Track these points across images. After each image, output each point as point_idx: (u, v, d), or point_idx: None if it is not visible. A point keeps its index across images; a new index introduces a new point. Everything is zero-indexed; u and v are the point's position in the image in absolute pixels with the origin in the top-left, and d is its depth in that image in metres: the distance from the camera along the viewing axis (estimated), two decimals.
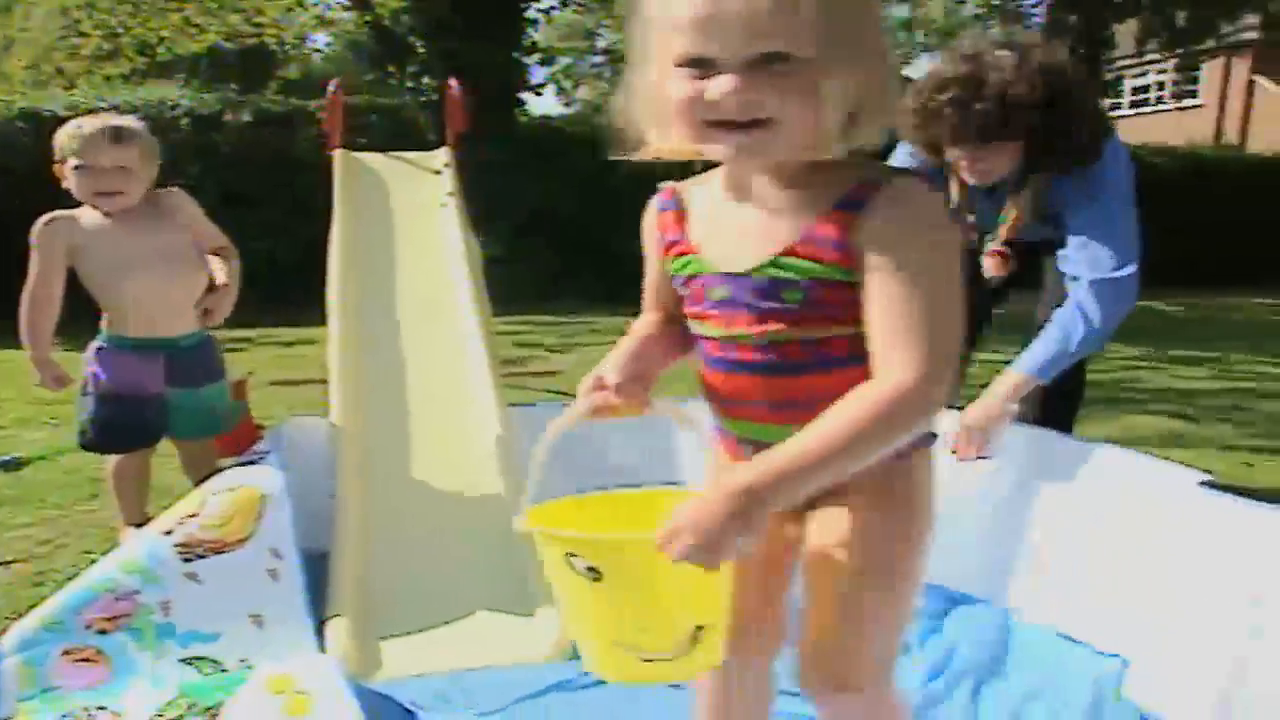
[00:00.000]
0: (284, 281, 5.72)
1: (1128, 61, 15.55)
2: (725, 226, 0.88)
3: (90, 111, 6.78)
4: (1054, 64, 1.64)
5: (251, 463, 1.71)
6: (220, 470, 1.74)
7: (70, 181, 1.91)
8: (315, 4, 9.56)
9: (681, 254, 0.92)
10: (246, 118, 7.42)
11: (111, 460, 2.04)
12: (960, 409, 1.76)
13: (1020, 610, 1.78)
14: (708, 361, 0.92)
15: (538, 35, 8.30)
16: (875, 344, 0.79)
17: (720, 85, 0.75)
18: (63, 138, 1.91)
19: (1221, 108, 16.37)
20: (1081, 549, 1.70)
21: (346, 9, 9.35)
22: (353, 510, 1.86)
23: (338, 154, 2.96)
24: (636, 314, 1.03)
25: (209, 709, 1.30)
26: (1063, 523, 1.75)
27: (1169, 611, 1.47)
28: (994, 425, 1.73)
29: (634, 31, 0.82)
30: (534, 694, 1.47)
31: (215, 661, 1.43)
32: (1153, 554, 1.54)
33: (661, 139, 0.83)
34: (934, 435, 0.91)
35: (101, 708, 1.26)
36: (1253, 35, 14.59)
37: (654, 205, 0.96)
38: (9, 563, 1.99)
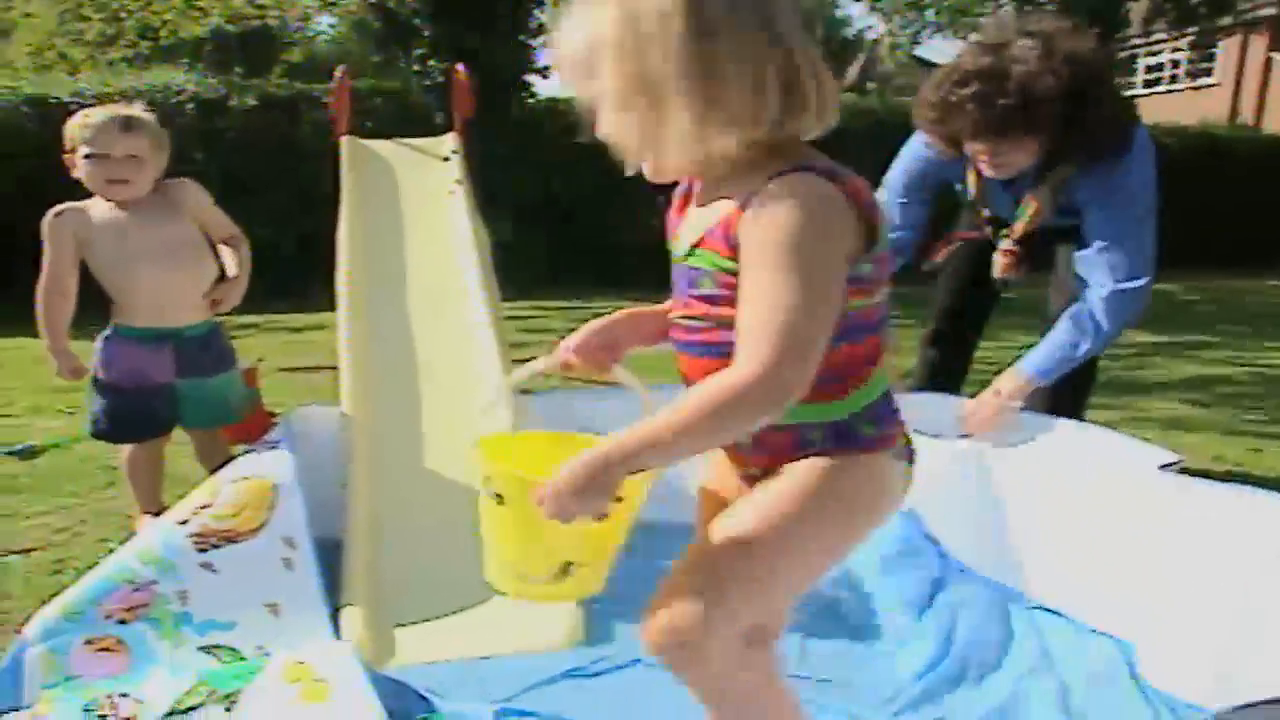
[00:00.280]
0: (290, 266, 5.74)
1: (1141, 40, 15.32)
2: (688, 216, 0.95)
3: (96, 97, 6.82)
4: (1080, 53, 1.58)
5: (263, 451, 1.72)
6: (234, 459, 1.76)
7: (81, 171, 1.91)
8: None
9: (669, 237, 1.00)
10: (251, 102, 7.39)
11: (126, 449, 2.06)
12: (972, 395, 1.77)
13: (1022, 591, 1.79)
14: (672, 342, 0.99)
15: (544, 17, 8.21)
16: (736, 334, 0.83)
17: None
18: (73, 127, 1.91)
19: (1237, 86, 16.10)
20: (1079, 530, 1.71)
21: None
22: (364, 499, 1.87)
23: (345, 140, 2.95)
24: (641, 297, 1.09)
25: (227, 696, 1.32)
26: (1061, 504, 1.76)
27: (1164, 592, 1.49)
28: (998, 423, 1.73)
29: None
30: (546, 681, 1.49)
31: (233, 650, 1.45)
32: (1146, 535, 1.56)
33: None
34: (875, 442, 0.90)
35: (124, 695, 1.28)
36: (1270, 11, 14.34)
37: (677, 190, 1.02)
38: (28, 551, 2.02)
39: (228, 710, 1.29)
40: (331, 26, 19.13)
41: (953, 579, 1.81)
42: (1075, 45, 1.60)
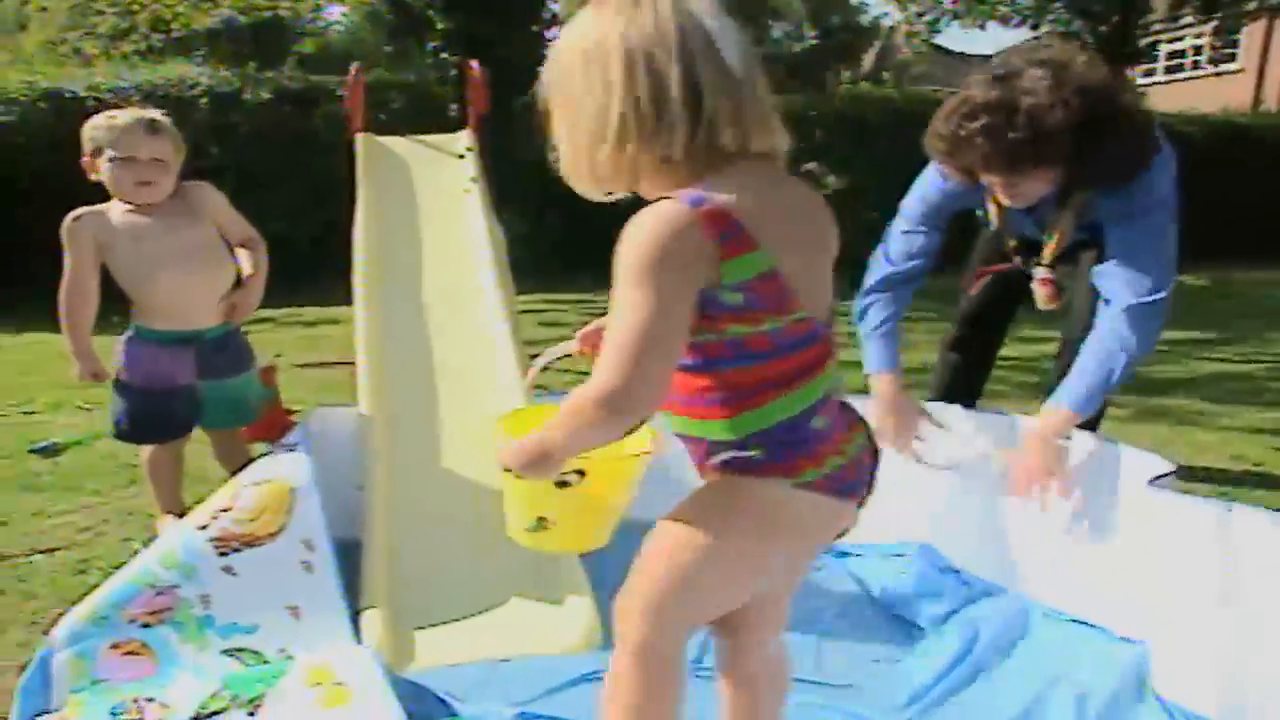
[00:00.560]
0: (305, 261, 5.76)
1: (1163, 26, 15.04)
2: None
3: (112, 92, 6.84)
4: (1091, 83, 1.52)
5: (281, 454, 1.74)
6: (254, 459, 1.77)
7: (105, 174, 1.92)
8: None
9: None
10: (265, 95, 7.40)
11: (147, 450, 2.08)
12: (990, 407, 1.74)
13: (1038, 597, 1.79)
14: None
15: (557, 8, 8.18)
16: None
17: None
18: (95, 130, 1.91)
19: (1261, 73, 15.80)
20: (1095, 538, 1.70)
21: None
22: (382, 501, 1.89)
23: (360, 137, 2.96)
24: None
25: (252, 700, 1.34)
26: (1076, 513, 1.75)
27: (1173, 600, 1.48)
28: (1055, 464, 1.66)
29: None
30: (566, 684, 1.50)
31: (256, 652, 1.47)
32: (1146, 545, 1.54)
33: None
34: (765, 467, 0.90)
35: (150, 699, 1.30)
36: None
37: None
38: (53, 550, 2.05)
39: (250, 715, 1.31)
40: (345, 15, 19.15)
41: (975, 596, 1.81)
42: (1087, 75, 1.53)
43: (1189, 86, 15.92)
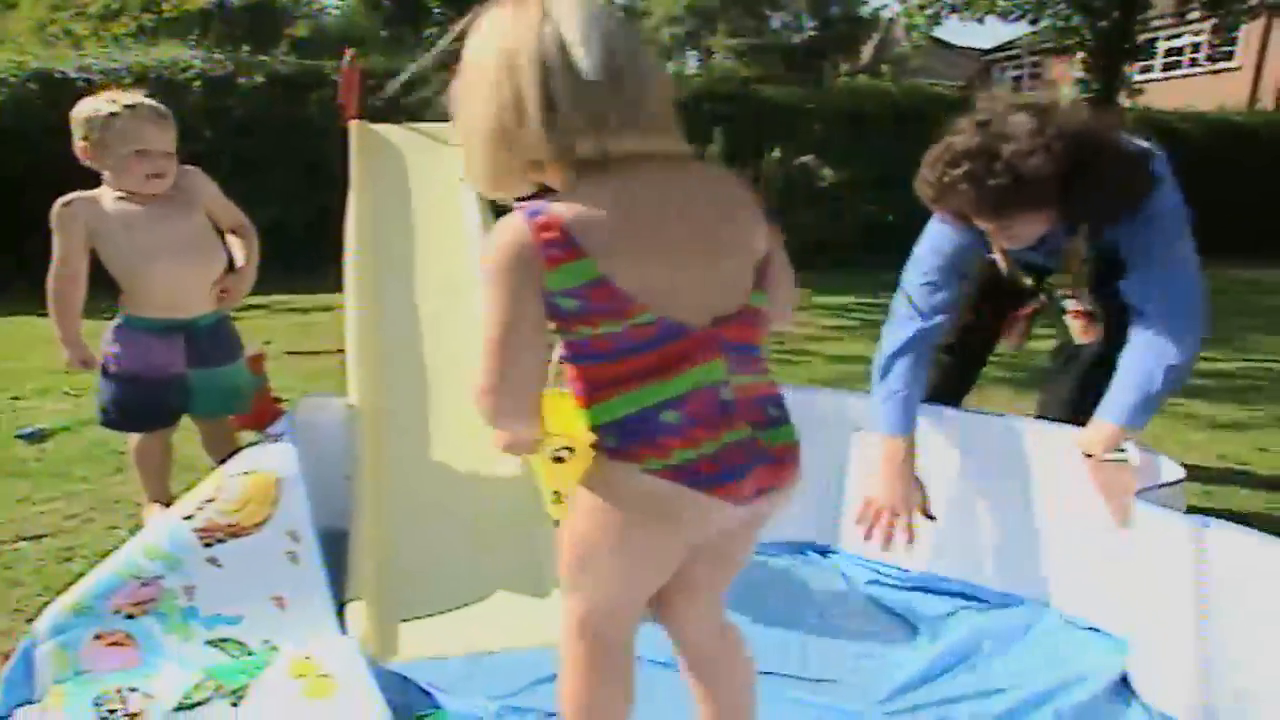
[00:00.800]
0: (298, 246, 5.72)
1: (1162, 23, 15.03)
2: None
3: (103, 73, 6.75)
4: (1073, 127, 1.51)
5: (267, 444, 1.73)
6: (240, 448, 1.77)
7: (116, 166, 1.88)
8: None
9: None
10: (259, 80, 7.34)
11: (134, 438, 2.07)
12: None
13: (1031, 597, 1.80)
14: None
15: None
16: None
17: None
18: (100, 120, 1.85)
19: (1258, 71, 15.81)
20: (1087, 537, 1.71)
21: None
22: (371, 493, 1.88)
23: (354, 125, 2.93)
24: None
25: (235, 690, 1.34)
26: (1066, 511, 1.76)
27: (1163, 603, 1.49)
28: (1124, 480, 1.62)
29: None
30: (549, 677, 1.50)
31: (240, 643, 1.47)
32: (1146, 545, 1.55)
33: None
34: (616, 454, 0.96)
35: (133, 689, 1.30)
36: None
37: None
38: (39, 537, 2.04)
39: (234, 705, 1.31)
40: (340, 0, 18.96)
41: (967, 596, 1.83)
42: (1070, 118, 1.53)
43: (1186, 83, 15.92)
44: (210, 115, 6.88)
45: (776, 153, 7.48)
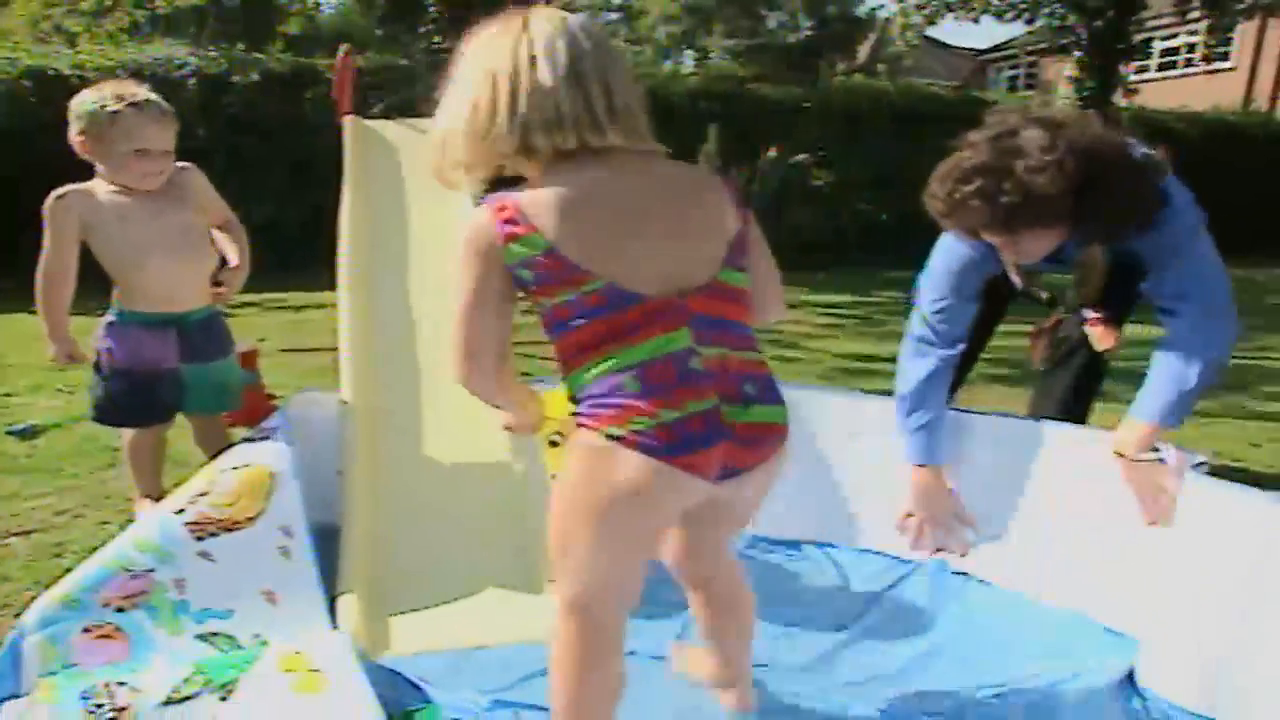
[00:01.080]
0: (292, 244, 5.72)
1: (1158, 23, 15.05)
2: None
3: (98, 70, 6.72)
4: (1084, 142, 1.48)
5: (261, 439, 1.72)
6: (233, 444, 1.76)
7: (116, 162, 1.86)
8: None
9: None
10: (254, 77, 7.32)
11: (128, 433, 2.06)
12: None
13: (1030, 591, 1.80)
14: None
15: None
16: None
17: None
18: (102, 115, 1.82)
19: (1253, 71, 15.85)
20: (1089, 531, 1.71)
21: None
22: (362, 488, 1.88)
23: (348, 121, 2.91)
24: None
25: (224, 685, 1.33)
26: (1069, 507, 1.76)
27: (1172, 593, 1.49)
28: (1159, 480, 1.61)
29: None
30: (540, 671, 1.49)
31: (230, 638, 1.46)
32: (1153, 536, 1.55)
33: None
34: (585, 419, 1.03)
35: (121, 683, 1.29)
36: None
37: None
38: (29, 533, 2.03)
39: (223, 700, 1.30)
40: None
41: (970, 591, 1.83)
42: (1081, 133, 1.49)
43: (1181, 84, 15.96)
44: (205, 113, 6.86)
45: (773, 152, 7.49)
